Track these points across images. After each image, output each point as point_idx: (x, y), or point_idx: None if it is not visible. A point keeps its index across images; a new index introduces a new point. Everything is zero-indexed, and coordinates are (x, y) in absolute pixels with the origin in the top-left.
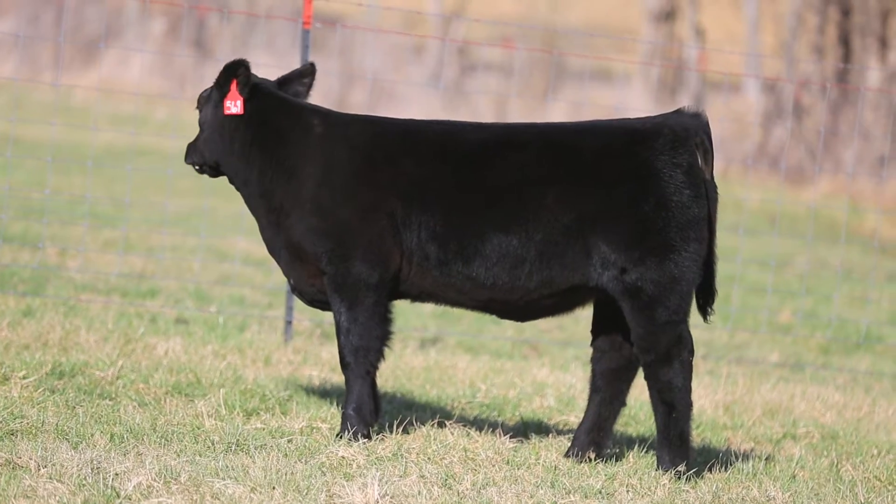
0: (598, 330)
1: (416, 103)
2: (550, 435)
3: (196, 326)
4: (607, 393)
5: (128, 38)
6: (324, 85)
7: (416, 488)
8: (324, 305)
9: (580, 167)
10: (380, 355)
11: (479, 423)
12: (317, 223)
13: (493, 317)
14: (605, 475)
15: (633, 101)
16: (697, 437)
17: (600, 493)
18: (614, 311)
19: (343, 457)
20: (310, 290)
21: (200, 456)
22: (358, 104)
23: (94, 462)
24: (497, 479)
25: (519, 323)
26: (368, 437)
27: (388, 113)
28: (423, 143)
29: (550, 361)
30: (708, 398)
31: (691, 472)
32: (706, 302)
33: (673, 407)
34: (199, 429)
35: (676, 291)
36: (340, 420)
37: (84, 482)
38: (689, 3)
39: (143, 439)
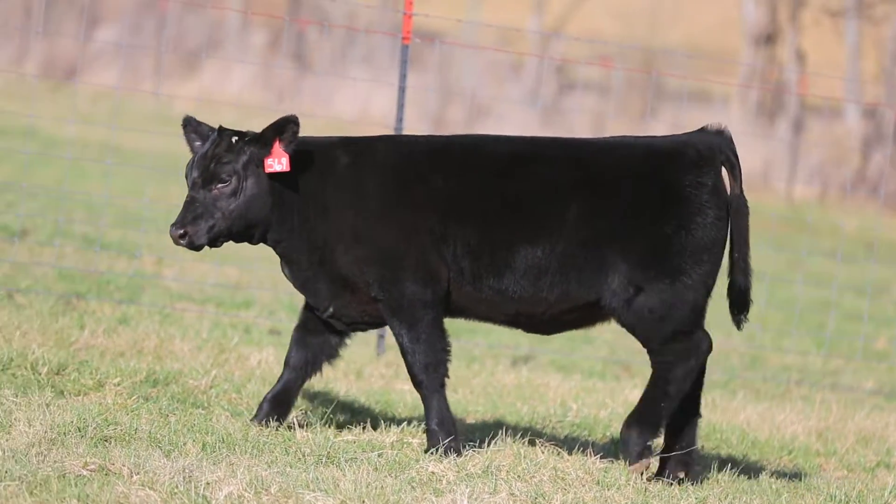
0: None
1: (513, 121)
2: None
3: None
4: (684, 408)
5: (228, 49)
6: (421, 101)
7: None
8: (360, 327)
9: (604, 184)
10: (448, 367)
11: (569, 443)
12: (363, 252)
13: (531, 333)
14: (696, 498)
15: (732, 123)
16: (789, 462)
17: None
18: None
19: (433, 472)
20: (353, 314)
21: (291, 467)
22: (455, 121)
23: (187, 470)
24: (587, 499)
25: (610, 343)
26: (458, 450)
27: (485, 131)
28: (451, 158)
29: (642, 382)
30: (801, 424)
31: (647, 455)
32: (741, 311)
33: (665, 397)
34: (290, 440)
35: (683, 310)
36: (427, 437)
37: (176, 490)
38: (789, 26)
39: (234, 449)
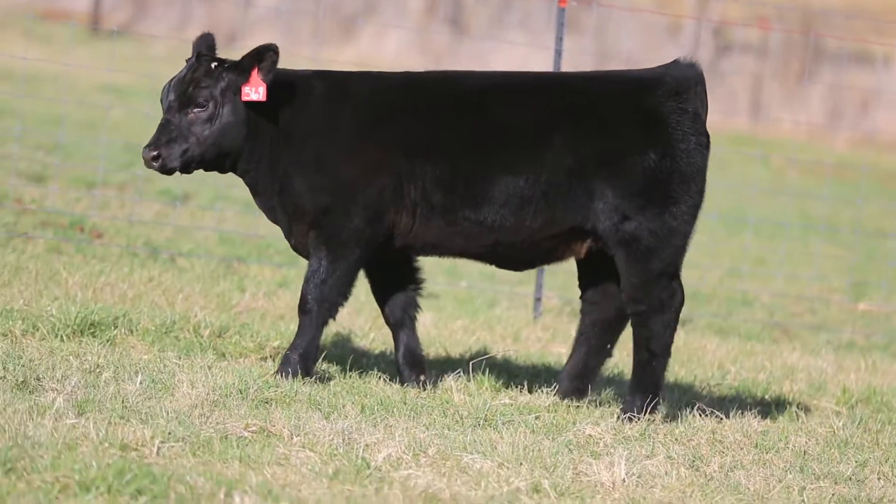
0: (587, 283)
1: None
2: (800, 419)
3: (446, 301)
4: (596, 344)
5: (386, 14)
6: (578, 65)
7: (662, 469)
8: None
9: (586, 113)
10: (338, 311)
11: (727, 406)
12: (320, 180)
13: (493, 266)
14: (856, 461)
15: (893, 84)
16: None
17: (850, 479)
18: (601, 263)
19: (590, 435)
20: (308, 246)
21: (449, 430)
22: None
23: (346, 432)
24: (745, 462)
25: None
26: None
27: None
28: (425, 92)
29: (801, 345)
30: None
31: (655, 410)
32: None
33: (654, 356)
34: (447, 403)
35: (672, 244)
36: (281, 360)
37: (335, 452)
38: None
39: (392, 411)
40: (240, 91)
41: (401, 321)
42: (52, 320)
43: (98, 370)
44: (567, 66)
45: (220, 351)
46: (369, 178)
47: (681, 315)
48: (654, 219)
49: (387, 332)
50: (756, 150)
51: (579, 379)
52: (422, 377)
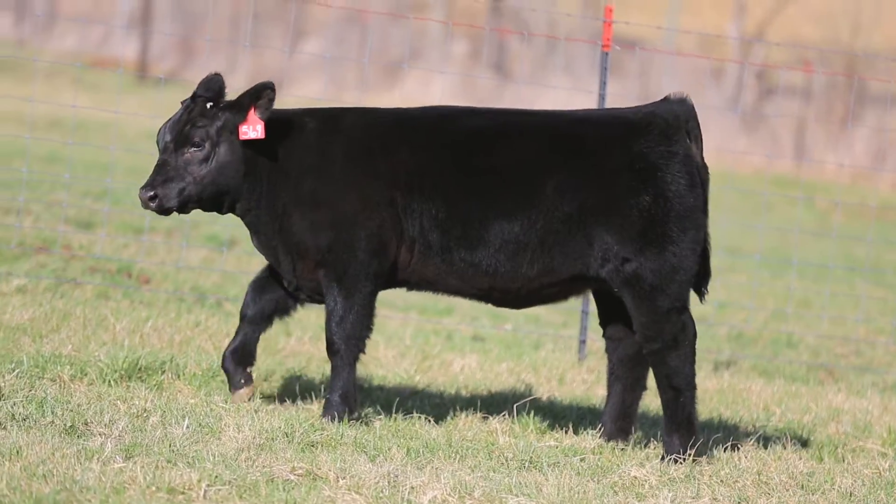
0: (607, 320)
1: (714, 127)
2: (846, 461)
3: (491, 344)
4: (628, 380)
5: (430, 58)
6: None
7: None
8: (322, 298)
9: (579, 156)
10: (366, 344)
11: (772, 448)
12: (319, 216)
13: (491, 305)
14: None
15: None
16: None
17: None
18: (619, 300)
19: (635, 477)
20: (311, 284)
21: (494, 472)
22: None
23: (391, 475)
24: (791, 503)
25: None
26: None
27: None
28: (419, 130)
29: (847, 387)
30: None
31: (699, 452)
32: (700, 284)
33: (680, 392)
34: (493, 445)
35: (676, 280)
36: (324, 406)
37: (381, 494)
38: None
39: (438, 454)
40: (237, 130)
41: (256, 320)
42: (99, 365)
43: (145, 414)
44: None
45: (266, 394)
46: (368, 212)
47: (726, 357)
48: (655, 258)
49: (432, 375)
50: (800, 192)
51: (621, 419)
52: (244, 371)
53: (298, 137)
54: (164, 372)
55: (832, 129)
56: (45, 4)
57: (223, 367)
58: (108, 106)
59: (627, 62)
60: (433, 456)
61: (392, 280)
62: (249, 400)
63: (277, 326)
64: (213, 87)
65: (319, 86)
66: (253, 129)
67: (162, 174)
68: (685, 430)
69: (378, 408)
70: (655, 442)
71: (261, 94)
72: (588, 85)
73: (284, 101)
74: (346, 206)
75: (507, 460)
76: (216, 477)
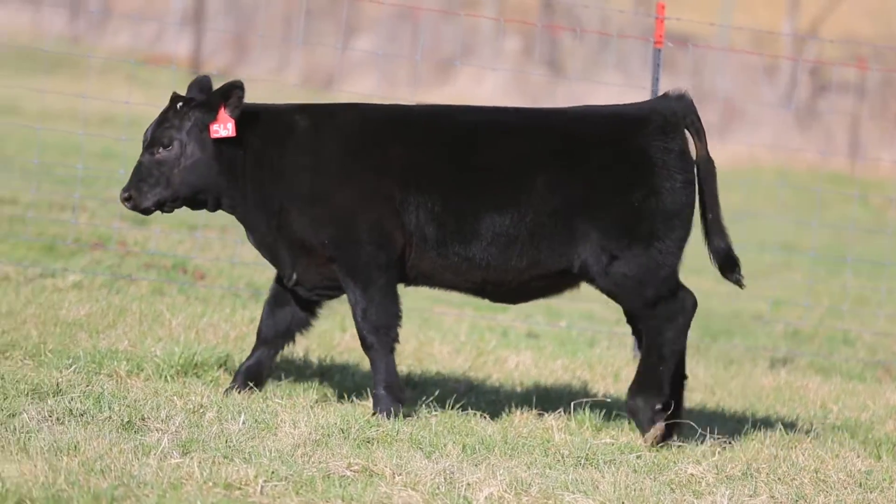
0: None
1: (768, 124)
2: None
3: (546, 341)
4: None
5: (482, 55)
6: None
7: None
8: (325, 293)
9: (572, 152)
10: (398, 332)
11: (830, 445)
12: (318, 212)
13: (488, 301)
14: None
15: None
16: None
17: None
18: None
19: (692, 474)
20: (315, 278)
21: (550, 469)
22: (708, 124)
23: (447, 471)
24: (849, 501)
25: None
26: (399, 409)
27: (739, 134)
28: (414, 126)
29: None
30: None
31: (658, 419)
32: (732, 270)
33: (663, 360)
34: (548, 442)
35: (659, 275)
36: (373, 401)
37: (437, 491)
38: None
39: (494, 450)
40: (207, 128)
41: (271, 339)
42: (156, 361)
43: (202, 410)
44: None
45: (322, 390)
46: (367, 205)
47: (782, 354)
48: (641, 255)
49: (487, 371)
50: (855, 189)
51: (672, 414)
52: (251, 389)
53: (289, 134)
54: (220, 367)
55: (887, 125)
56: (99, 2)
57: (235, 374)
58: (162, 102)
59: (680, 59)
60: (489, 452)
61: (399, 275)
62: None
63: (331, 322)
64: (204, 87)
65: (372, 83)
66: (224, 127)
67: (136, 175)
68: (654, 392)
69: (434, 404)
70: (711, 439)
71: (230, 93)
72: (640, 81)
73: (337, 97)
74: (345, 201)
75: (562, 457)
76: (273, 473)
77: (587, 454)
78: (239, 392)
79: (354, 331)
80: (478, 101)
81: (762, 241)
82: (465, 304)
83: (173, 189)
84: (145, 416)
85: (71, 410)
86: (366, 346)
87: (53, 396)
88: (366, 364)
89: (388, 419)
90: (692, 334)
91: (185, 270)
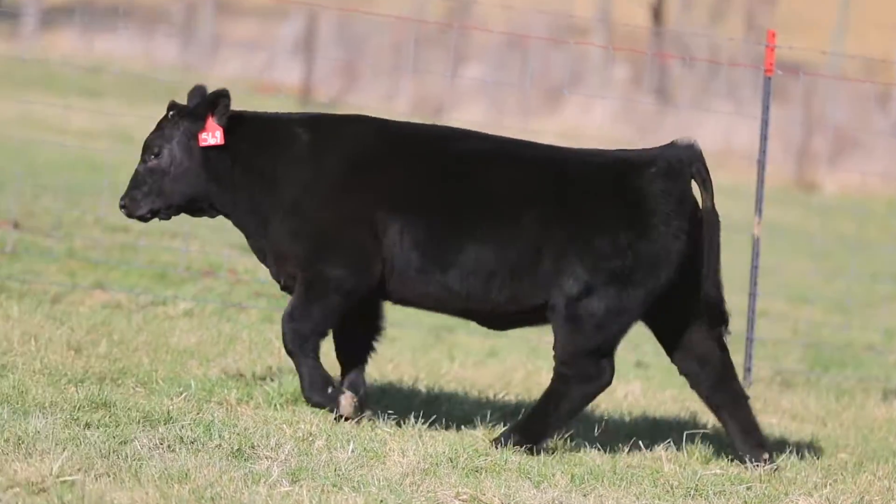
0: (677, 357)
1: (881, 152)
2: None
3: (655, 371)
4: (729, 401)
5: (591, 84)
6: (785, 134)
7: None
8: None
9: (566, 191)
10: (319, 346)
11: None
12: (297, 224)
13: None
14: None
15: None
16: None
17: None
18: (674, 330)
19: None
20: (293, 286)
21: (659, 500)
22: (819, 153)
23: (556, 501)
24: None
25: None
26: (336, 399)
27: (850, 163)
28: (411, 148)
29: None
30: None
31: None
32: (719, 324)
33: (559, 416)
34: (657, 473)
35: (619, 322)
36: (307, 404)
37: None
38: None
39: (602, 481)
40: (195, 137)
41: (350, 362)
42: (266, 389)
43: (311, 438)
44: (774, 136)
45: (430, 419)
46: (347, 227)
47: (895, 385)
48: (613, 297)
49: (596, 401)
50: None
51: (749, 437)
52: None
53: (286, 145)
54: None
55: None
56: (210, 31)
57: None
58: None
59: (791, 87)
60: (597, 483)
61: (378, 294)
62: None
63: (440, 351)
64: (199, 97)
65: (480, 110)
66: (212, 135)
67: (132, 183)
68: (527, 436)
69: None
70: (822, 471)
71: (216, 101)
72: (751, 110)
73: (447, 125)
74: (325, 219)
75: (672, 488)
76: (381, 501)
77: (696, 485)
78: (347, 419)
79: (462, 360)
80: (587, 130)
81: (875, 271)
82: None
83: (165, 197)
84: (255, 443)
85: (181, 438)
86: (288, 352)
87: (164, 424)
88: (473, 394)
89: (328, 410)
90: (803, 365)
91: None
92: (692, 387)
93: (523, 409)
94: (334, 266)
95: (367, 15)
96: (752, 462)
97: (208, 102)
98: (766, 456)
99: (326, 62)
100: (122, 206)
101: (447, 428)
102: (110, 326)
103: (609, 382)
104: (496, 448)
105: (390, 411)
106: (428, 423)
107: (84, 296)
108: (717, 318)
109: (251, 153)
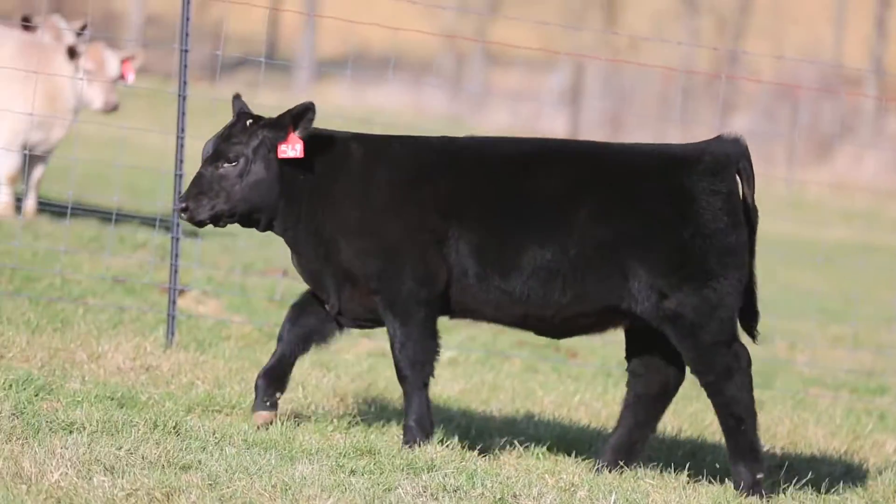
0: (632, 354)
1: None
2: None
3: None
4: (640, 417)
5: (862, 134)
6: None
7: None
8: (366, 324)
9: (617, 187)
10: (434, 367)
11: None
12: (365, 245)
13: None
14: None
15: None
16: None
17: None
18: (648, 335)
19: None
20: (357, 309)
21: None
22: None
23: None
24: None
25: None
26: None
27: None
28: (461, 158)
29: None
30: None
31: (766, 481)
32: (751, 324)
33: (741, 420)
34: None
35: (716, 317)
36: (403, 433)
37: None
38: None
39: None
40: (275, 148)
41: (291, 342)
42: (529, 437)
43: (573, 489)
44: None
45: (693, 471)
46: (412, 240)
47: None
48: (694, 295)
49: (863, 456)
50: None
51: (623, 453)
52: (274, 393)
53: (344, 163)
54: (590, 446)
55: None
56: (479, 81)
57: (255, 383)
58: None
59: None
60: None
61: (443, 308)
62: (267, 426)
63: (701, 402)
64: (238, 108)
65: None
66: (292, 148)
67: (196, 187)
68: (751, 458)
69: (808, 487)
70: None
71: (303, 114)
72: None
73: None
74: (391, 235)
75: None
76: None
77: None
78: (609, 470)
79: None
80: (859, 181)
81: None
82: (840, 386)
83: (232, 204)
84: (517, 493)
85: (444, 486)
86: (400, 379)
87: (428, 472)
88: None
89: (413, 449)
90: None
91: (558, 349)
92: (627, 383)
93: (787, 462)
94: (405, 279)
95: (634, 65)
96: (598, 466)
97: (294, 114)
98: (619, 464)
99: (593, 112)
100: (182, 209)
101: (711, 481)
102: (375, 374)
103: (749, 363)
104: (740, 491)
105: (653, 462)
106: (691, 475)
107: (350, 344)
108: (749, 316)
109: (320, 171)
